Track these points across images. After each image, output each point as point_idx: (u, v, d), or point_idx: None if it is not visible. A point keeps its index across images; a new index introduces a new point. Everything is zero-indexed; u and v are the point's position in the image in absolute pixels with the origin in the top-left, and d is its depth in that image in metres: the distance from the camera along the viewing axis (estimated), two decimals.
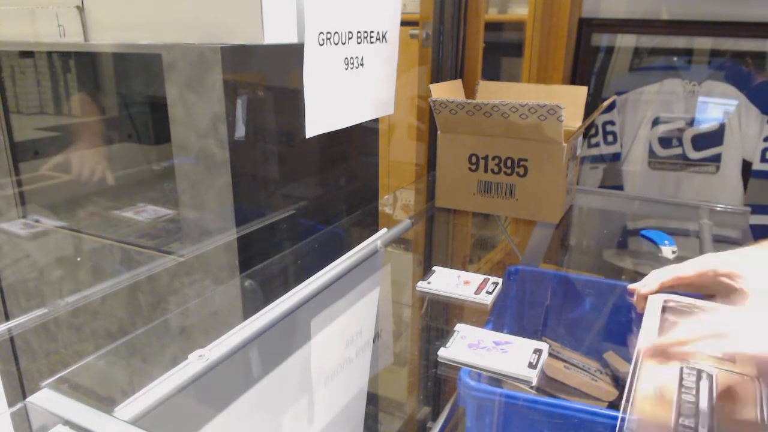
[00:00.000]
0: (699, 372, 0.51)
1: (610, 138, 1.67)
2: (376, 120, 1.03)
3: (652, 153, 1.63)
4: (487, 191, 0.99)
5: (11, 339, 1.04)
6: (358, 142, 1.04)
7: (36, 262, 1.03)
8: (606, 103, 1.09)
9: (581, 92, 1.07)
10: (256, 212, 0.83)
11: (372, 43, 0.88)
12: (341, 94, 0.84)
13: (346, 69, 0.83)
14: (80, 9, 0.83)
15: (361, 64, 0.87)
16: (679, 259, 0.79)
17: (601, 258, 1.06)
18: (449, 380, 0.62)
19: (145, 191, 1.07)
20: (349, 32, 0.82)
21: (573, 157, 1.00)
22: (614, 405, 0.63)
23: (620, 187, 1.68)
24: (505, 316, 0.78)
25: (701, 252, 0.87)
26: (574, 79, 1.69)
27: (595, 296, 0.78)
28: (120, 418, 0.48)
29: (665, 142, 1.61)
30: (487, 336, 0.66)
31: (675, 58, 1.60)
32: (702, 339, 0.49)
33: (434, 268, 0.84)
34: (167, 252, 0.87)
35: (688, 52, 1.58)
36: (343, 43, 0.81)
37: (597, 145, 1.68)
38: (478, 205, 1.00)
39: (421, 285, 0.80)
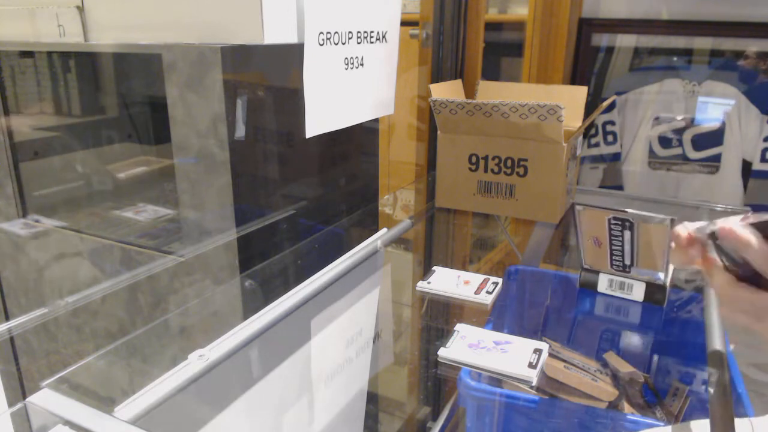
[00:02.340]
0: (623, 222, 0.71)
1: (610, 138, 1.67)
2: (376, 120, 1.03)
3: (652, 153, 1.63)
4: (487, 191, 0.99)
5: (11, 339, 1.04)
6: (358, 142, 1.04)
7: (36, 262, 1.03)
8: (606, 103, 1.09)
9: (581, 92, 1.07)
10: (256, 212, 0.83)
11: (372, 43, 0.88)
12: (341, 94, 0.84)
13: (346, 69, 0.83)
14: (80, 9, 0.83)
15: (361, 64, 0.87)
16: None
17: None
18: (449, 380, 0.62)
19: (145, 191, 1.07)
20: (349, 32, 0.82)
21: (573, 157, 1.00)
22: (614, 405, 0.63)
23: (620, 187, 1.68)
24: (505, 316, 0.78)
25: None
26: (574, 79, 1.69)
27: (595, 296, 0.78)
28: (120, 418, 0.48)
29: (665, 142, 1.61)
30: (487, 336, 0.66)
31: (675, 58, 1.60)
32: None
33: (434, 268, 0.84)
34: (167, 252, 0.87)
35: (688, 52, 1.58)
36: (343, 43, 0.81)
37: (597, 145, 1.68)
38: (478, 205, 1.00)
39: (421, 285, 0.80)
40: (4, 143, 1.02)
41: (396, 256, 1.00)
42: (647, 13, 1.59)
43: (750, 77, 1.53)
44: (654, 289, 0.75)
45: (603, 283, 0.78)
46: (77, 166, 1.11)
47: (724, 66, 1.54)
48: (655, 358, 0.76)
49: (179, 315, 0.79)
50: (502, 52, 1.84)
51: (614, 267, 0.76)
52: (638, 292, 0.76)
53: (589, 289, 0.79)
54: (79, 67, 1.05)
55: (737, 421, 0.50)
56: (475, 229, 1.14)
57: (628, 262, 0.75)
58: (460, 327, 0.67)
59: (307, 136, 0.78)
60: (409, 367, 0.75)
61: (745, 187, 1.54)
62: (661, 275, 0.73)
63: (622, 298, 0.77)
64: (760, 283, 0.45)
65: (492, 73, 1.82)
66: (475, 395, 0.57)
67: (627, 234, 0.72)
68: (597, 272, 0.78)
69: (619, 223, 0.72)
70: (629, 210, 0.70)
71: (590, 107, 1.07)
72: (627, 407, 0.63)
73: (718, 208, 1.09)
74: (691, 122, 1.58)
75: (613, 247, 0.75)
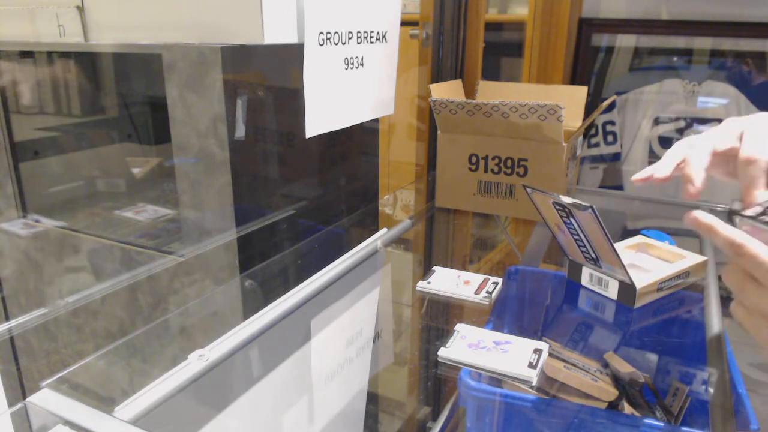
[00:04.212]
0: (563, 207, 0.70)
1: (610, 138, 1.67)
2: (376, 120, 1.03)
3: (652, 153, 1.63)
4: (487, 191, 0.99)
5: (11, 339, 1.04)
6: (358, 142, 1.04)
7: (36, 262, 1.03)
8: (606, 103, 1.09)
9: (581, 92, 1.07)
10: (256, 212, 0.83)
11: (372, 43, 0.88)
12: (341, 94, 0.84)
13: (346, 69, 0.83)
14: (80, 9, 0.83)
15: (361, 64, 0.87)
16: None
17: None
18: (449, 380, 0.62)
19: (145, 191, 1.07)
20: (349, 32, 0.82)
21: (573, 157, 1.00)
22: (614, 405, 0.63)
23: (620, 187, 1.68)
24: (505, 316, 0.78)
25: (702, 252, 0.87)
26: (574, 79, 1.69)
27: (596, 296, 0.78)
28: (120, 418, 0.48)
29: (665, 142, 1.61)
30: (487, 336, 0.66)
31: (675, 58, 1.60)
32: None
33: (434, 268, 0.84)
34: (167, 252, 0.87)
35: (688, 52, 1.58)
36: (343, 43, 0.81)
37: (597, 145, 1.68)
38: (478, 205, 1.00)
39: (421, 285, 0.80)
40: (4, 143, 1.02)
41: (396, 256, 1.00)
42: (647, 13, 1.59)
43: (750, 77, 1.53)
44: (624, 288, 0.74)
45: (585, 277, 0.78)
46: (77, 166, 1.11)
47: (724, 66, 1.54)
48: (655, 358, 0.76)
49: (179, 315, 0.79)
50: (502, 52, 1.84)
51: (587, 259, 0.76)
52: (613, 290, 0.75)
53: (574, 281, 0.79)
54: (79, 67, 1.05)
55: None
56: (475, 229, 1.14)
57: (594, 255, 0.74)
58: (460, 327, 0.67)
59: (307, 136, 0.78)
60: (409, 367, 0.75)
61: None
62: (620, 273, 0.73)
63: (602, 295, 0.77)
64: None
65: (492, 73, 1.83)
66: (475, 395, 0.57)
67: (573, 221, 0.71)
68: (580, 265, 0.78)
69: (561, 208, 0.71)
70: (560, 195, 0.70)
71: (590, 107, 1.07)
72: (627, 407, 0.63)
73: (719, 208, 1.09)
74: (691, 122, 1.58)
75: (574, 236, 0.74)
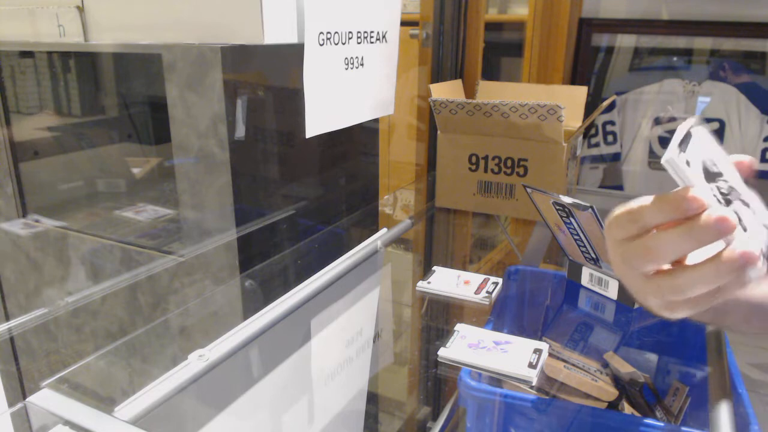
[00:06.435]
0: (563, 207, 0.69)
1: (610, 138, 1.67)
2: (376, 120, 1.03)
3: (652, 153, 1.63)
4: (487, 191, 0.99)
5: (11, 339, 1.05)
6: (358, 142, 1.04)
7: (36, 262, 1.03)
8: (606, 103, 1.09)
9: (581, 92, 1.07)
10: (256, 212, 0.83)
11: (372, 43, 0.88)
12: (341, 94, 0.84)
13: (346, 69, 0.83)
14: (80, 9, 0.83)
15: (361, 64, 0.87)
16: None
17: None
18: (449, 380, 0.62)
19: (145, 191, 1.07)
20: (349, 32, 0.82)
21: (573, 157, 1.00)
22: (614, 405, 0.63)
23: (620, 187, 1.69)
24: (505, 316, 0.78)
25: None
26: (574, 79, 1.69)
27: (596, 296, 0.78)
28: (120, 418, 0.48)
29: (665, 142, 1.61)
30: (487, 336, 0.66)
31: (675, 58, 1.60)
32: None
33: (434, 268, 0.84)
34: (167, 252, 0.87)
35: (688, 52, 1.59)
36: (343, 43, 0.81)
37: (597, 145, 1.68)
38: (478, 205, 1.00)
39: (421, 285, 0.80)
40: (4, 143, 1.02)
41: (396, 256, 1.00)
42: (647, 13, 1.59)
43: (749, 77, 1.53)
44: (624, 288, 0.73)
45: (585, 277, 0.78)
46: (77, 166, 1.11)
47: (724, 66, 1.54)
48: (655, 358, 0.76)
49: (179, 315, 0.79)
50: (502, 52, 1.84)
51: (587, 259, 0.76)
52: (613, 290, 0.75)
53: (574, 281, 0.79)
54: (79, 67, 1.05)
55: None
56: (475, 229, 1.14)
57: (593, 255, 0.74)
58: (460, 327, 0.67)
59: (307, 136, 0.78)
60: (409, 367, 0.75)
61: None
62: None
63: (602, 295, 0.77)
64: None
65: (492, 73, 1.83)
66: (475, 395, 0.57)
67: (573, 221, 0.71)
68: (580, 265, 0.78)
69: (561, 208, 0.71)
70: (560, 195, 0.69)
71: (590, 107, 1.07)
72: (627, 407, 0.63)
73: None
74: None
75: (574, 237, 0.74)
